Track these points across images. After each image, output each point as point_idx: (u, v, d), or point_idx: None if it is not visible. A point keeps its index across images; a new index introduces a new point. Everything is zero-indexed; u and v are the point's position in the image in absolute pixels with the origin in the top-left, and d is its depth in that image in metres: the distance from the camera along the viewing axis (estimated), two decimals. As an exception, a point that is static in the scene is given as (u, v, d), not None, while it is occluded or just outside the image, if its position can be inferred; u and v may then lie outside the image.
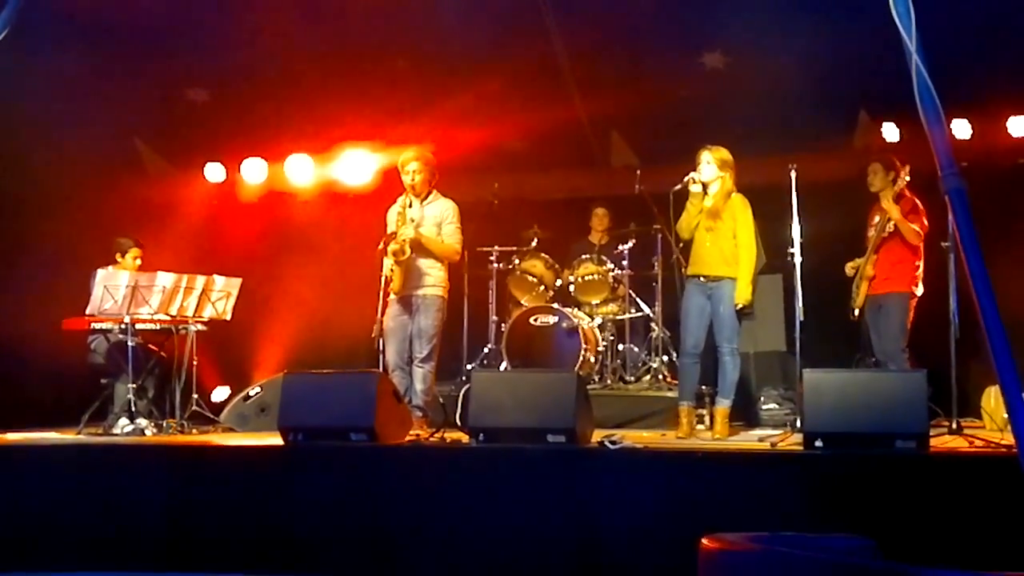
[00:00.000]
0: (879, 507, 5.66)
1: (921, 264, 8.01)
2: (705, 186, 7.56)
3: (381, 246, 7.80)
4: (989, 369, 3.05)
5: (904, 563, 2.43)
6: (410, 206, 7.92)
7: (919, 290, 8.01)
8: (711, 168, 7.52)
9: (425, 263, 7.89)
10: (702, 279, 7.55)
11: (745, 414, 9.09)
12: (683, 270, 7.93)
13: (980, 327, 3.09)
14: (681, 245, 8.01)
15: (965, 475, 5.80)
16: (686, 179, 7.54)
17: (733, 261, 7.47)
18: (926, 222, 7.94)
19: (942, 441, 6.59)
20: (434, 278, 7.92)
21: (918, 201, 7.94)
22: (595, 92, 9.89)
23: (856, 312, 8.12)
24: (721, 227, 7.50)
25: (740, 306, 7.42)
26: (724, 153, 7.55)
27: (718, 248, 7.49)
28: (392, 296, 7.86)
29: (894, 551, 3.35)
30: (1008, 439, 6.08)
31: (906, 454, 5.96)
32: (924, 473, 5.87)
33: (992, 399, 7.92)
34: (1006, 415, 2.65)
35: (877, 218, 8.07)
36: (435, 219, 7.96)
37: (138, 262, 8.90)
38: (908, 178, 7.78)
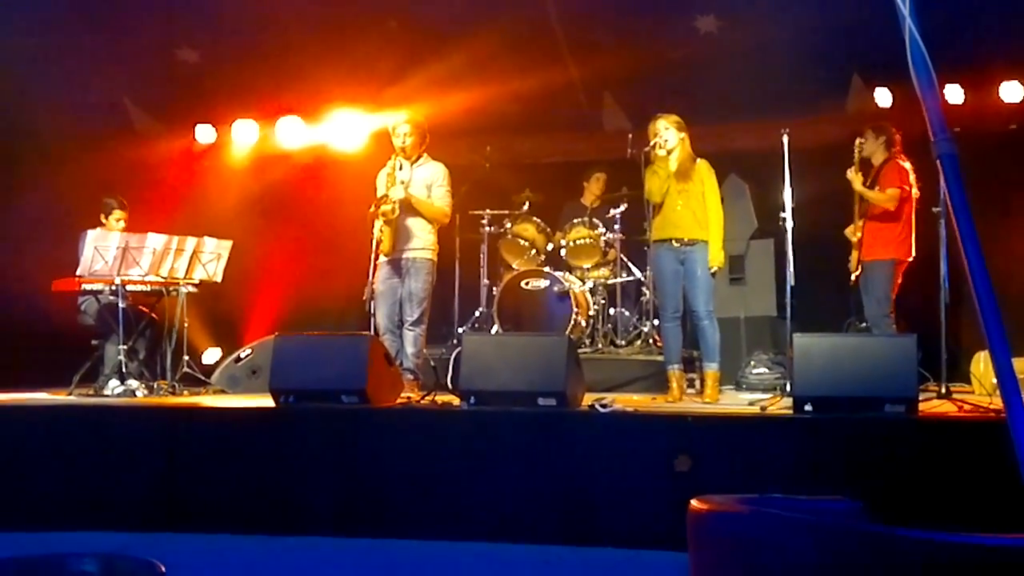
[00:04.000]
0: (868, 471, 5.70)
1: (909, 230, 8.03)
2: (668, 152, 7.61)
3: (372, 209, 7.80)
4: (979, 334, 3.06)
5: (892, 526, 2.45)
6: (400, 168, 7.92)
7: (909, 256, 8.03)
8: (671, 132, 7.61)
9: (415, 225, 7.89)
10: (674, 243, 7.62)
11: (735, 378, 9.13)
12: (646, 235, 7.96)
13: (970, 292, 3.11)
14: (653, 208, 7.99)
15: (954, 439, 5.84)
16: (651, 145, 7.58)
17: (705, 224, 7.59)
18: (908, 187, 7.93)
19: (931, 406, 6.62)
20: (423, 241, 7.92)
21: (903, 164, 7.95)
22: (587, 54, 9.86)
23: (854, 277, 8.15)
24: (692, 189, 7.61)
25: (714, 270, 7.52)
26: (676, 117, 7.69)
27: (690, 211, 7.58)
28: (382, 259, 7.86)
29: (882, 514, 3.38)
30: (997, 404, 6.11)
31: (895, 418, 5.99)
32: (913, 437, 5.92)
33: (981, 364, 7.96)
34: (995, 380, 2.66)
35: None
36: (425, 182, 7.95)
37: (121, 224, 8.83)
38: (863, 141, 7.84)
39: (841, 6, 8.23)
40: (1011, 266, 8.41)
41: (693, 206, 7.58)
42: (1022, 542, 2.41)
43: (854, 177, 7.90)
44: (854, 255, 8.08)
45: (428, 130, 8.05)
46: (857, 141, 7.94)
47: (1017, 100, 9.65)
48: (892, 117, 8.68)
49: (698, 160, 7.66)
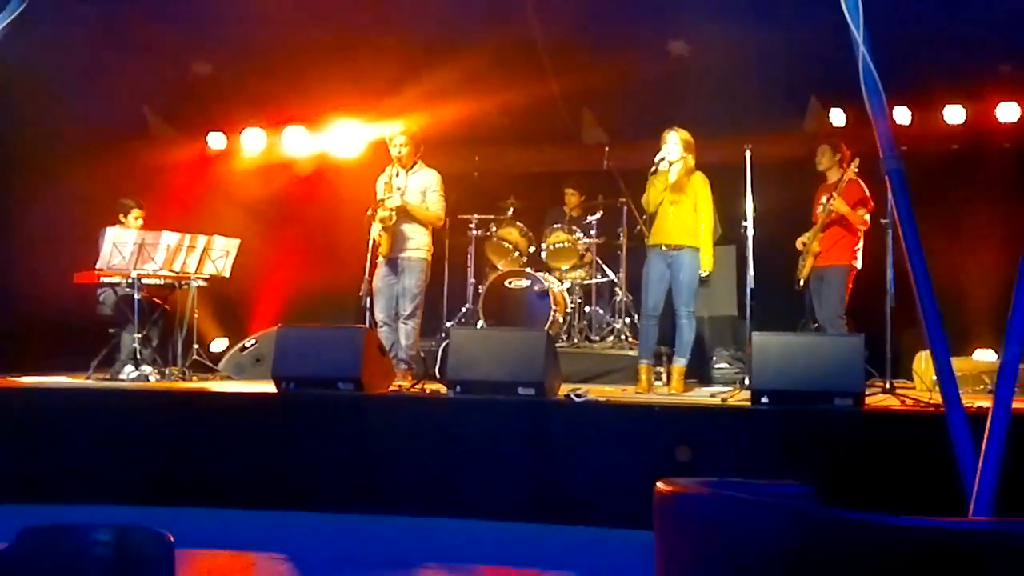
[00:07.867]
0: (818, 458, 5.74)
1: (861, 241, 8.07)
2: (670, 164, 7.61)
3: (369, 212, 7.82)
4: (921, 335, 3.08)
5: (839, 508, 2.47)
6: (396, 175, 7.94)
7: (858, 264, 8.07)
8: (678, 148, 7.58)
9: (410, 228, 7.91)
10: (664, 247, 7.63)
11: (699, 372, 9.13)
12: (646, 240, 7.98)
13: (914, 297, 3.12)
14: (645, 217, 8.01)
15: (896, 431, 5.89)
16: (658, 160, 7.57)
17: (693, 231, 7.58)
18: (872, 206, 7.97)
19: (876, 400, 6.66)
20: (418, 242, 7.95)
21: (863, 185, 7.96)
22: (568, 73, 9.84)
23: (801, 283, 8.16)
24: (684, 200, 7.59)
25: (706, 273, 7.54)
26: (688, 135, 7.66)
27: (680, 220, 7.57)
28: (380, 259, 7.88)
29: (831, 497, 3.39)
30: (936, 399, 6.13)
31: (844, 410, 6.03)
32: (860, 428, 5.96)
33: (923, 362, 7.99)
34: (935, 377, 2.68)
35: (825, 197, 8.09)
36: (420, 188, 7.97)
37: (139, 222, 8.81)
38: (856, 169, 7.79)
39: (801, 33, 8.23)
40: (951, 274, 8.45)
41: (683, 216, 7.58)
42: (956, 524, 2.43)
43: (840, 204, 7.89)
44: (808, 261, 8.08)
45: (423, 140, 8.07)
46: (855, 162, 7.82)
47: (959, 122, 9.67)
48: (846, 136, 8.69)
49: (695, 173, 7.66)
